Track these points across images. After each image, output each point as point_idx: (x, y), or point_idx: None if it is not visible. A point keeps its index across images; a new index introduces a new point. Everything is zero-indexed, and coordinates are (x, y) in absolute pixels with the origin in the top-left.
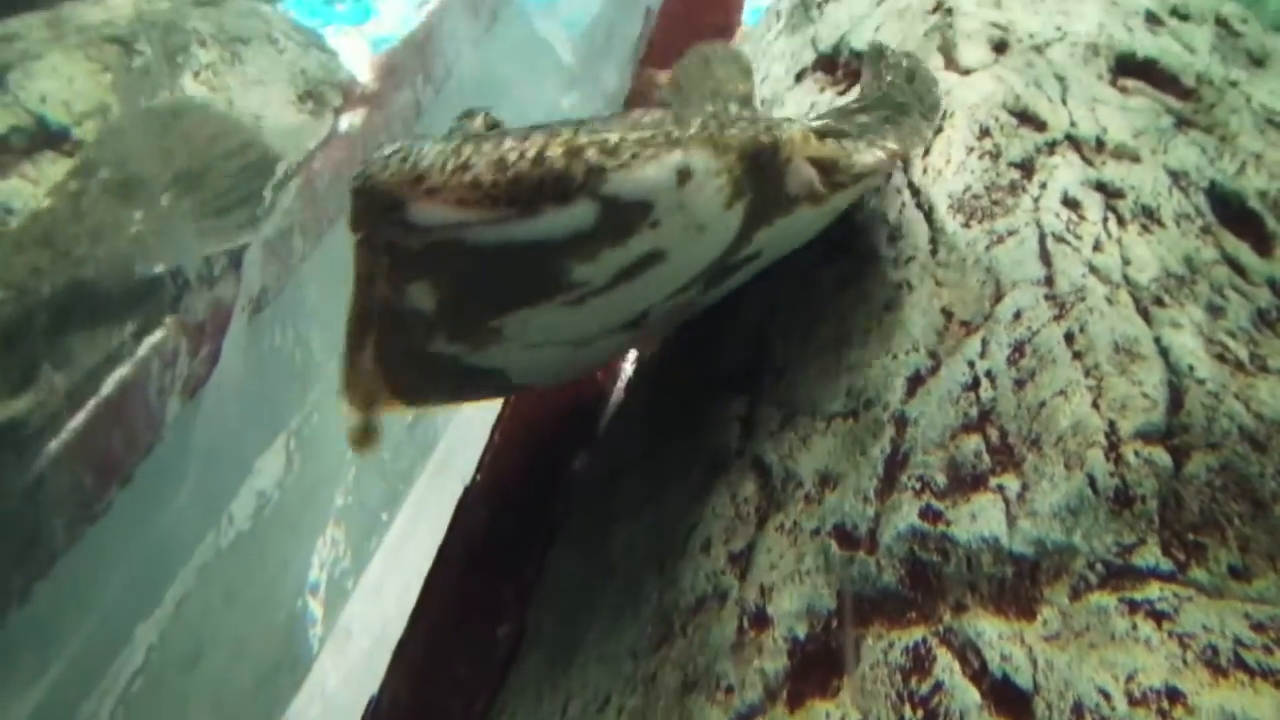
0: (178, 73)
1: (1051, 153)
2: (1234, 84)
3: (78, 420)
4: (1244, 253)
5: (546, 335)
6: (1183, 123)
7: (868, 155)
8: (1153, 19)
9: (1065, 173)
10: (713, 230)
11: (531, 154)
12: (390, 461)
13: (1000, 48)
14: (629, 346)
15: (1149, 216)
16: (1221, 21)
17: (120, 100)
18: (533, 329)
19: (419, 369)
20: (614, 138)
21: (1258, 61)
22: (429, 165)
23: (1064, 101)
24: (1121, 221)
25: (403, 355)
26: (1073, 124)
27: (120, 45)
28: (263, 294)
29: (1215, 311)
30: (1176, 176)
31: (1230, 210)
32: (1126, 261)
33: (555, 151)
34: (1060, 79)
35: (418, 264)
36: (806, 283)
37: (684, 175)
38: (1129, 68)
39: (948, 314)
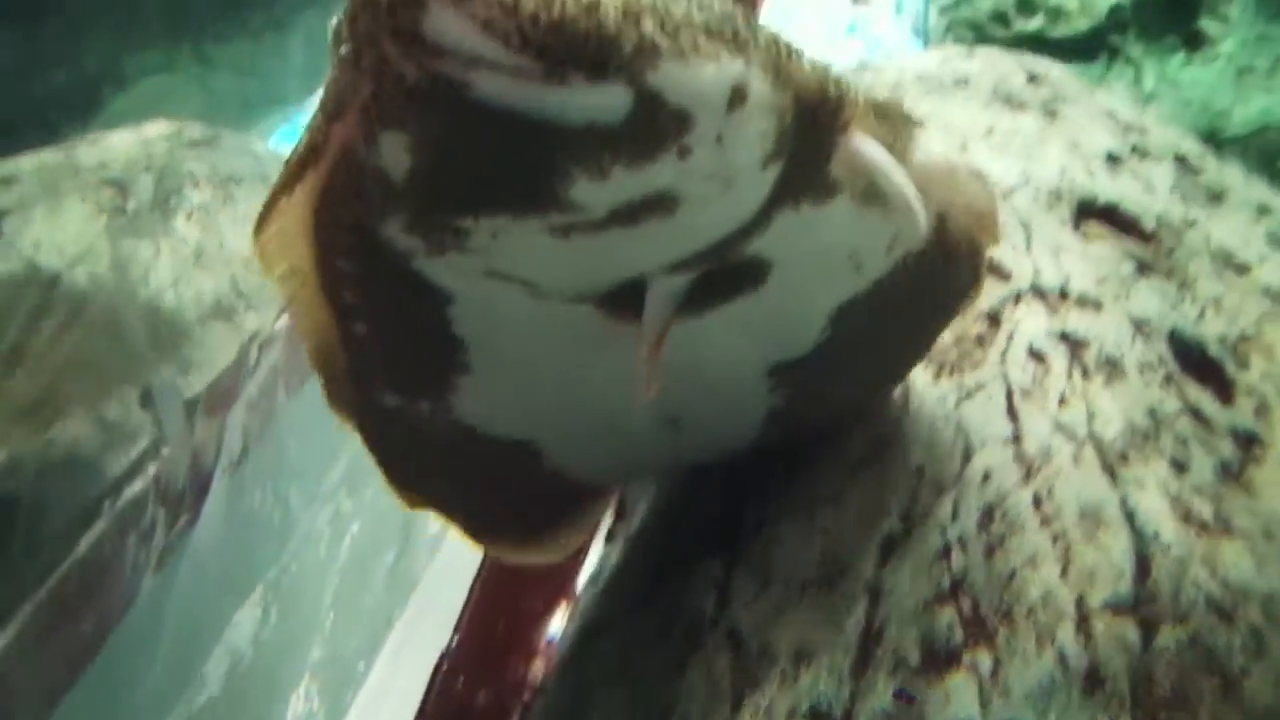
0: (170, 215)
1: (1017, 303)
2: (1193, 224)
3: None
4: (1206, 402)
5: (514, 267)
6: (1144, 268)
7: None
8: (1113, 159)
9: (1030, 324)
10: (737, 189)
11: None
12: (369, 606)
13: None
14: (604, 360)
15: (1112, 367)
16: (1180, 159)
17: (111, 245)
18: (502, 251)
19: (354, 262)
20: (679, 12)
21: (1216, 197)
22: None
23: (1028, 250)
24: (1086, 373)
25: (343, 231)
26: (1037, 273)
27: (116, 188)
28: (243, 451)
29: (1179, 467)
30: (1139, 324)
31: (1191, 357)
32: (1092, 416)
33: (610, 5)
34: (1025, 226)
35: (406, 104)
36: None
37: (738, 96)
38: (1091, 211)
39: (920, 473)
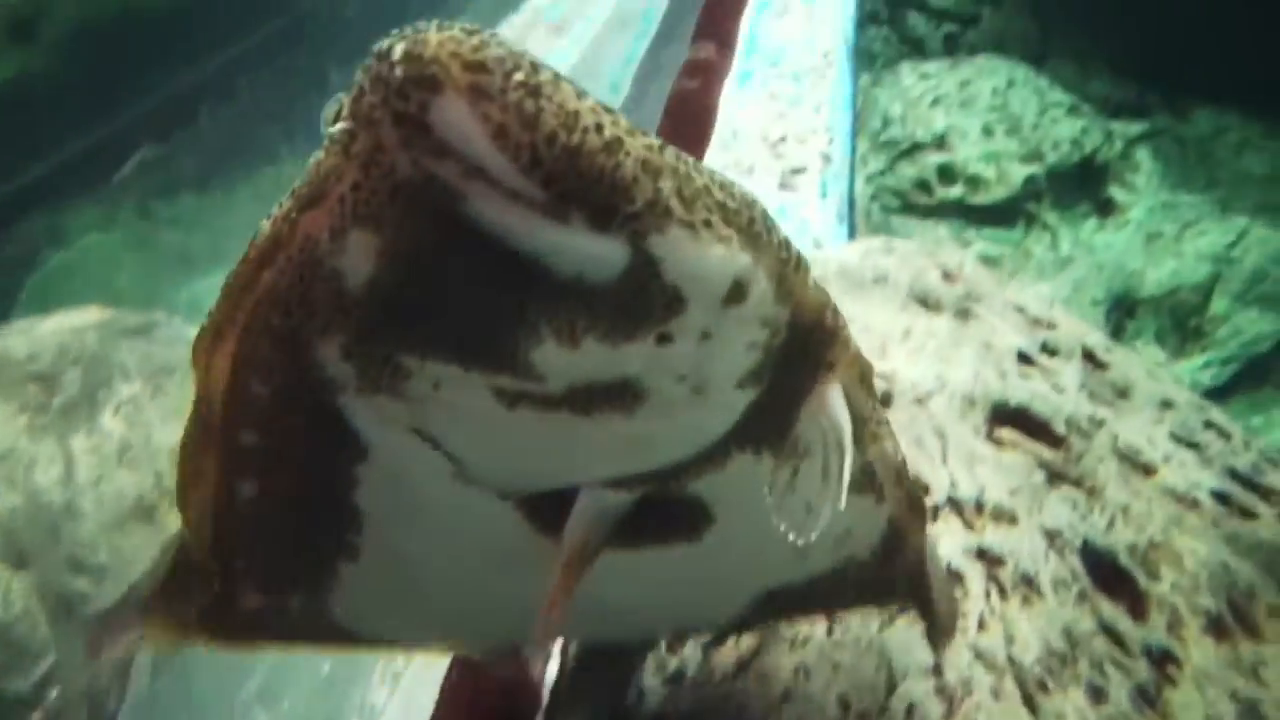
0: (97, 411)
1: (935, 517)
2: (1101, 424)
3: None
4: (1120, 619)
5: (446, 431)
6: (1055, 476)
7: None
8: (1024, 359)
9: (948, 541)
10: (707, 404)
11: (610, 135)
12: None
13: (885, 400)
14: (511, 571)
15: (1029, 585)
16: (1088, 354)
17: (32, 445)
18: (440, 406)
19: (271, 385)
20: (699, 182)
21: (1122, 393)
22: (497, 59)
23: (944, 461)
24: (1003, 593)
25: (271, 343)
26: (953, 485)
27: (42, 383)
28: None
29: (1097, 695)
30: (1052, 537)
31: (1104, 568)
32: (1010, 640)
33: (633, 152)
34: (941, 435)
35: (388, 202)
36: (707, 656)
37: (738, 291)
38: (1003, 415)
39: (844, 705)
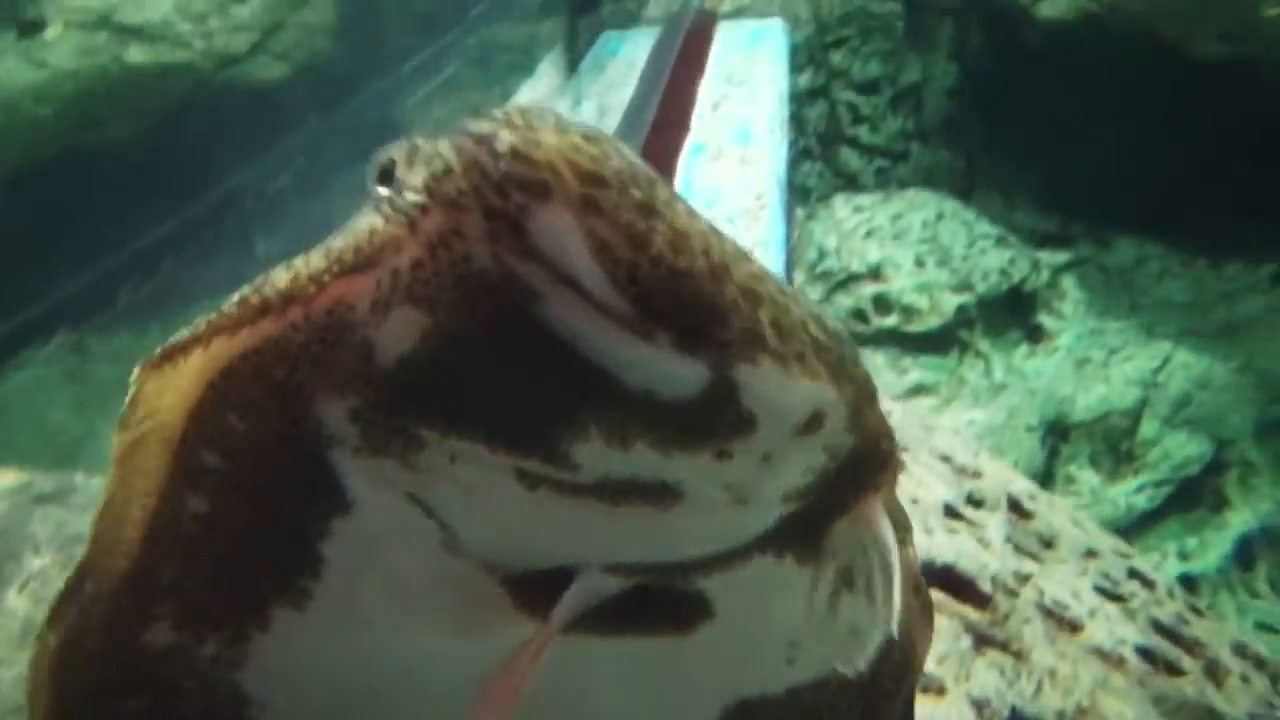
0: (3, 586)
1: None
2: (1027, 579)
3: None
4: None
5: (448, 502)
6: (981, 640)
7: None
8: (951, 513)
9: None
10: (746, 513)
11: (716, 260)
12: None
13: None
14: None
15: None
16: (1014, 503)
17: None
18: (449, 478)
19: (252, 421)
20: (796, 314)
21: (1047, 543)
22: (616, 172)
23: None
24: None
25: (261, 387)
26: None
27: None
28: None
29: None
30: (980, 706)
31: None
32: None
33: (738, 279)
34: None
35: (453, 289)
36: None
37: (814, 423)
38: (929, 574)
39: None
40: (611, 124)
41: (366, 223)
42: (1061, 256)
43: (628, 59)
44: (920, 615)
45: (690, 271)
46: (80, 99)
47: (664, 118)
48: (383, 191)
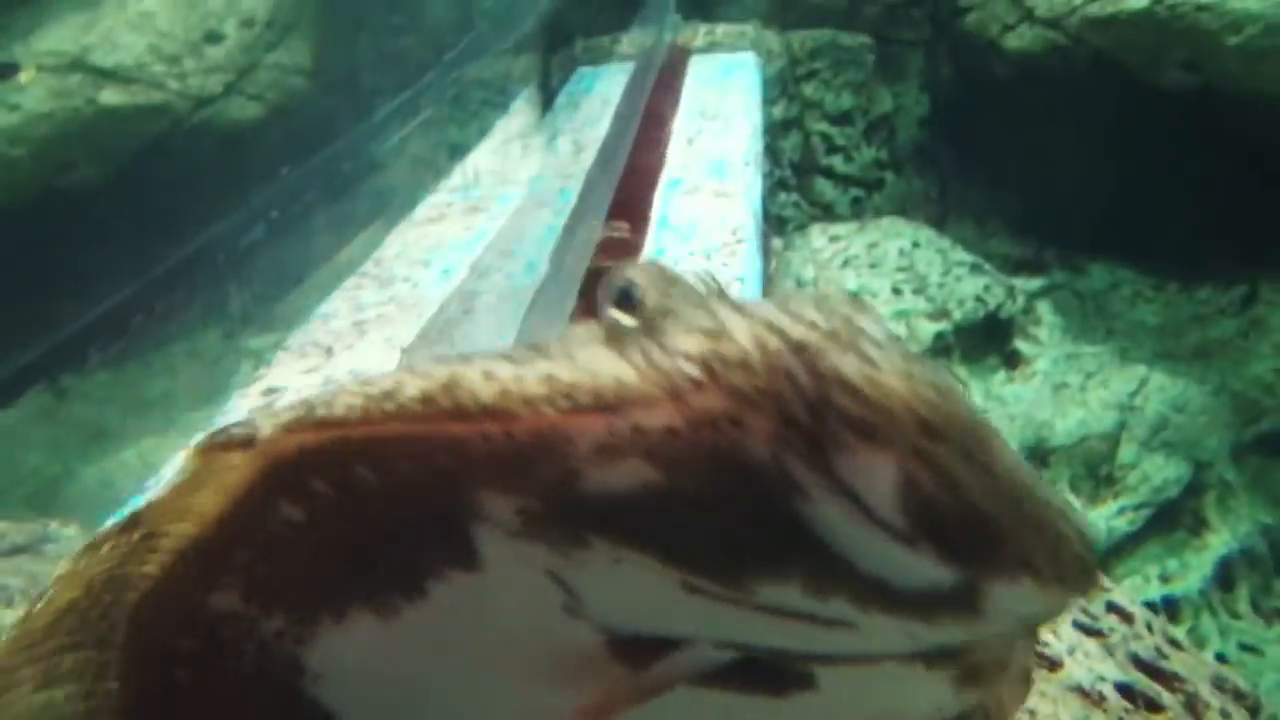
0: None
1: None
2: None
3: None
4: None
5: (591, 588)
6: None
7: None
8: None
9: None
10: (909, 643)
11: (1018, 494)
12: None
13: None
14: None
15: None
16: None
17: None
18: (603, 575)
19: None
20: (1063, 530)
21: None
22: (957, 419)
23: None
24: None
25: (419, 467)
26: None
27: None
28: None
29: None
30: None
31: None
32: None
33: (1028, 509)
34: None
35: (709, 462)
36: None
37: (1032, 628)
38: None
39: None
40: (587, 160)
41: (609, 366)
42: (1036, 283)
43: (602, 95)
44: (1018, 683)
45: (990, 516)
46: (54, 141)
47: (639, 153)
48: (623, 320)
